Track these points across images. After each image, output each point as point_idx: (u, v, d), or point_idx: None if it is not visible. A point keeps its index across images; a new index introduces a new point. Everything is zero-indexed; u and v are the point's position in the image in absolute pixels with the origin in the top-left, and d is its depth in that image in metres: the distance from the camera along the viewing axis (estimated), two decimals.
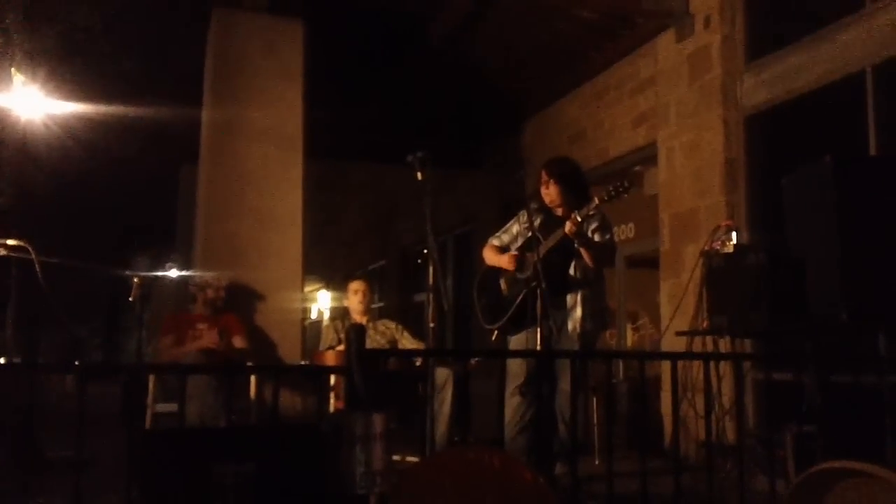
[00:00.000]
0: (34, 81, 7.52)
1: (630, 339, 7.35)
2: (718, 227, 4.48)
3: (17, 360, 4.91)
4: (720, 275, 4.14)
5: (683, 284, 5.12)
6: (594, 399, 5.68)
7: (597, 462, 5.21)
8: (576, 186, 4.42)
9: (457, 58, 7.41)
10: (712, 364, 3.61)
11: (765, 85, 5.68)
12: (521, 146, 8.82)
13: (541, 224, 4.42)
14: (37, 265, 3.60)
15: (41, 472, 3.97)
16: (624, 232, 7.40)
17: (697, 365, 3.63)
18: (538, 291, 3.91)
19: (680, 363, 3.42)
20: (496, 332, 4.46)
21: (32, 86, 7.51)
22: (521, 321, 4.27)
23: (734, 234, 4.24)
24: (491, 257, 4.56)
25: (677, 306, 4.96)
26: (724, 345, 4.31)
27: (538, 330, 3.93)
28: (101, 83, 7.75)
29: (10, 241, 3.64)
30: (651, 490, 3.07)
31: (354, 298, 5.54)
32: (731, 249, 4.17)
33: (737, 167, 5.82)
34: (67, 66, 7.80)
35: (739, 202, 5.77)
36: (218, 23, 5.96)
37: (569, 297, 4.28)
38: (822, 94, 5.23)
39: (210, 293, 5.33)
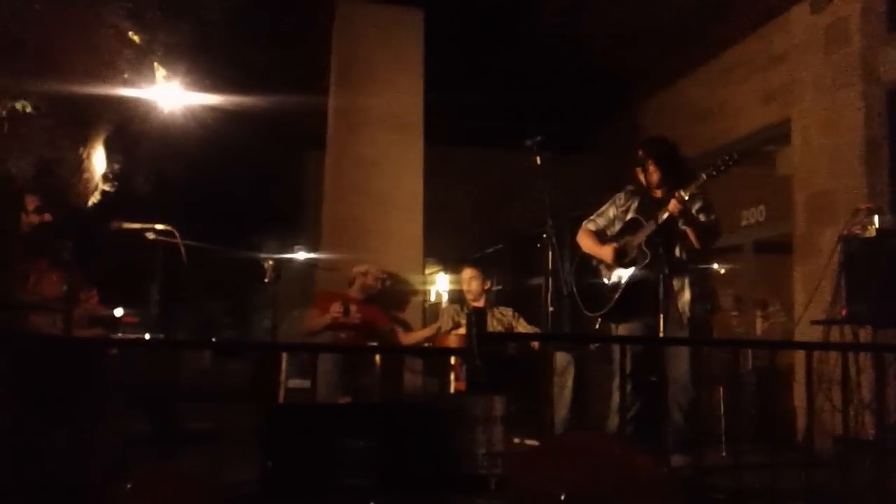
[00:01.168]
0: (174, 75, 7.94)
1: (759, 327, 7.07)
2: (858, 209, 4.25)
3: (160, 336, 5.26)
4: (860, 261, 3.93)
5: (819, 270, 4.88)
6: (720, 389, 5.51)
7: (723, 454, 5.06)
8: (674, 167, 4.27)
9: (570, 38, 7.28)
10: (851, 355, 3.44)
11: None
12: (640, 127, 8.60)
13: (639, 207, 4.31)
14: (181, 249, 3.82)
15: (181, 443, 4.23)
16: (753, 215, 7.10)
17: (835, 356, 3.46)
18: (661, 277, 3.83)
19: (815, 354, 3.28)
20: (599, 319, 4.37)
21: (173, 79, 7.93)
22: (626, 308, 4.16)
23: (876, 218, 4.00)
24: (589, 245, 4.45)
25: (813, 294, 4.75)
26: (865, 335, 4.09)
27: (660, 316, 3.84)
28: (233, 75, 8.09)
29: (158, 226, 3.88)
30: (781, 485, 2.96)
31: (466, 287, 5.61)
32: (872, 234, 3.94)
33: (878, 146, 5.47)
34: (203, 59, 8.19)
35: (881, 183, 5.43)
36: (343, 15, 6.14)
37: (675, 281, 4.13)
38: None
39: (369, 279, 5.53)
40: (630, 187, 4.45)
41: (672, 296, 3.90)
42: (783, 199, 6.38)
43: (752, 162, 7.07)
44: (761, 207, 7.03)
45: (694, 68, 7.62)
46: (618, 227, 4.43)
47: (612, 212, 4.52)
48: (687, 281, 4.16)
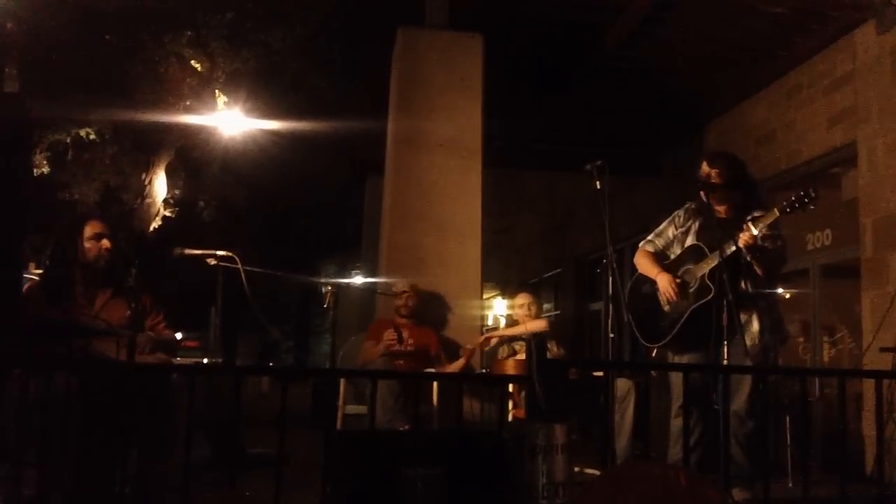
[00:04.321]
0: (235, 102, 8.14)
1: (826, 354, 6.88)
2: None
3: (219, 360, 5.34)
4: None
5: (888, 296, 4.75)
6: (787, 418, 5.36)
7: (790, 485, 4.92)
8: (743, 184, 4.13)
9: (633, 63, 7.29)
10: None
11: None
12: (704, 151, 8.50)
13: (700, 228, 4.17)
14: (242, 274, 3.88)
15: (244, 468, 4.27)
16: (819, 239, 6.93)
17: None
18: (725, 304, 3.73)
19: (886, 382, 3.17)
20: (656, 349, 4.22)
21: (234, 106, 8.13)
22: (688, 339, 4.01)
23: None
24: (646, 268, 4.25)
25: (882, 320, 4.61)
26: None
27: (723, 345, 3.74)
28: (293, 102, 8.26)
29: (220, 252, 3.95)
30: None
31: (520, 311, 5.67)
32: None
33: None
34: (264, 86, 8.38)
35: None
36: (402, 41, 6.20)
37: (742, 313, 3.91)
38: None
39: (398, 301, 5.55)
40: (690, 205, 4.28)
41: (738, 324, 3.78)
42: (850, 222, 6.23)
43: (817, 185, 6.93)
44: (827, 231, 6.86)
45: (758, 91, 7.53)
46: (677, 249, 4.27)
47: (671, 231, 4.34)
48: (755, 312, 4.01)
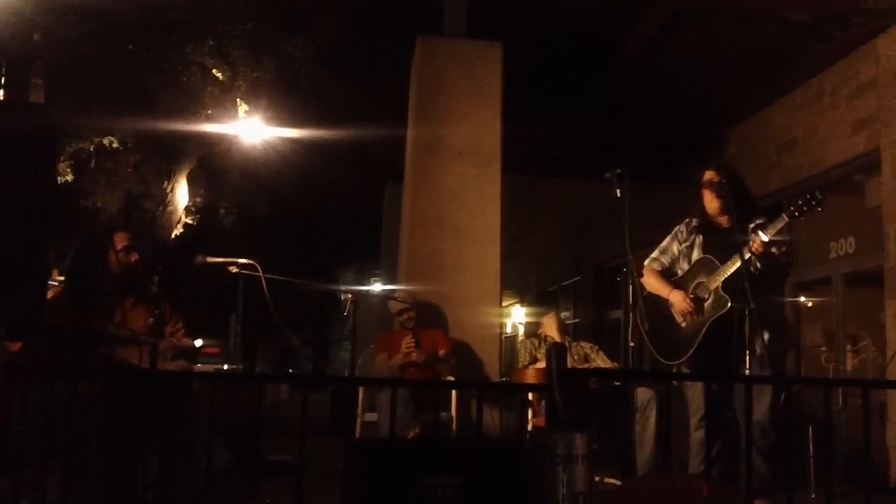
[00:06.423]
0: (256, 110, 8.21)
1: (850, 363, 6.80)
2: None
3: (239, 367, 5.36)
4: None
5: None
6: (809, 428, 5.30)
7: (813, 496, 4.86)
8: (743, 195, 4.07)
9: (653, 69, 7.26)
10: None
11: None
12: (724, 157, 8.45)
13: (705, 242, 4.10)
14: (263, 282, 3.90)
15: (264, 474, 4.29)
16: (843, 247, 6.86)
17: None
18: (746, 313, 3.69)
19: None
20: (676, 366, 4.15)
21: (255, 114, 8.20)
22: (708, 354, 3.93)
23: None
24: (657, 288, 4.15)
25: None
26: None
27: (745, 353, 3.70)
28: (313, 110, 8.32)
29: (241, 260, 3.98)
30: None
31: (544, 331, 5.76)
32: None
33: None
34: (284, 94, 8.45)
35: None
36: (421, 49, 6.23)
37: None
38: None
39: (401, 317, 5.52)
40: (691, 220, 4.23)
41: (759, 333, 3.74)
42: (873, 230, 6.16)
43: (840, 192, 6.86)
44: (851, 239, 6.79)
45: (780, 97, 7.48)
46: (684, 264, 4.20)
47: (675, 248, 4.28)
48: (762, 319, 3.97)
